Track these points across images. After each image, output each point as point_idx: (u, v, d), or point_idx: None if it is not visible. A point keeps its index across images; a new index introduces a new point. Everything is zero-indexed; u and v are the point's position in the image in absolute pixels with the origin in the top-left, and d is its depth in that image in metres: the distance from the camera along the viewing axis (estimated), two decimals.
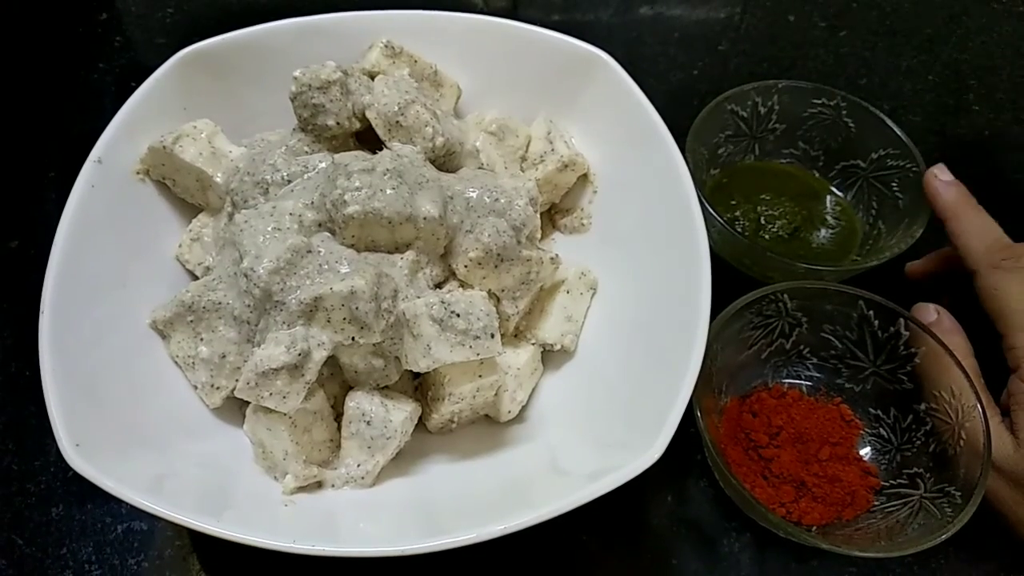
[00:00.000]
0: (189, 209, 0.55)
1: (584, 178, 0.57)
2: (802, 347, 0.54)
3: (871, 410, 0.53)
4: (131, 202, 0.52)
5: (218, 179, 0.51)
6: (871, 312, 0.51)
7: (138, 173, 0.52)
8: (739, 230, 0.61)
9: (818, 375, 0.55)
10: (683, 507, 0.52)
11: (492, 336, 0.44)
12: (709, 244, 0.47)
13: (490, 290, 0.49)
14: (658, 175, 0.51)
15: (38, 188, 0.68)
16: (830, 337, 0.54)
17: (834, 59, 0.80)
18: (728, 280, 0.51)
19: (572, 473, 0.44)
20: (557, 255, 0.52)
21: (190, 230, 0.53)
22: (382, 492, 0.45)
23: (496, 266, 0.48)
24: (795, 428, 0.52)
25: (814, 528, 0.48)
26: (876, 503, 0.49)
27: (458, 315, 0.43)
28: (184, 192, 0.54)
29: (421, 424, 0.48)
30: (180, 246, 0.53)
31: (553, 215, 0.59)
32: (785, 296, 0.52)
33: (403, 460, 0.47)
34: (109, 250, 0.49)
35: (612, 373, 0.49)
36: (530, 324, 0.52)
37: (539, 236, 0.53)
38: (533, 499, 0.41)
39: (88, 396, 0.43)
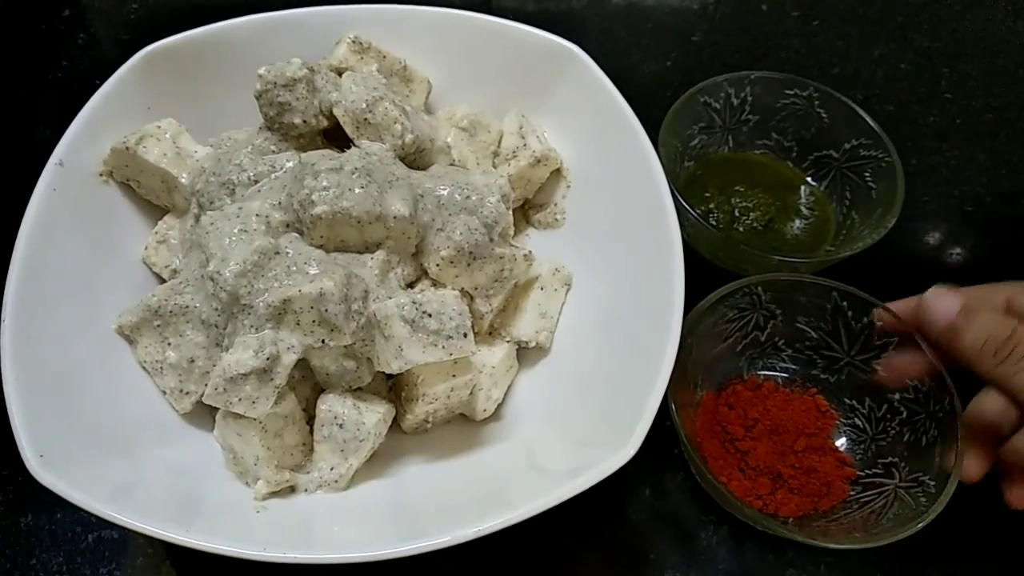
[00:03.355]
0: (155, 211, 0.54)
1: (557, 173, 0.57)
2: (777, 339, 0.54)
3: (846, 400, 0.53)
4: (95, 205, 0.51)
5: (183, 180, 0.50)
6: (845, 303, 0.51)
7: (101, 175, 0.51)
8: (713, 222, 0.61)
9: (793, 366, 0.55)
10: (660, 502, 0.52)
11: (465, 335, 0.43)
12: (684, 237, 0.47)
13: (463, 288, 0.49)
14: (630, 169, 0.51)
15: (0, 192, 0.66)
16: (805, 328, 0.53)
17: (807, 49, 0.80)
18: (702, 273, 0.51)
19: (548, 471, 0.44)
20: (530, 252, 0.51)
21: (156, 232, 0.52)
22: (356, 495, 0.44)
23: (469, 264, 0.48)
24: (771, 420, 0.52)
25: (791, 520, 0.49)
26: (852, 493, 0.49)
27: (430, 315, 0.43)
28: (149, 193, 0.53)
29: (396, 425, 0.48)
30: (146, 249, 0.52)
31: (527, 211, 0.58)
32: (759, 289, 0.52)
33: (378, 462, 0.47)
34: (73, 254, 0.48)
35: (587, 369, 0.49)
36: (504, 322, 0.52)
37: (512, 233, 0.53)
38: (510, 498, 0.41)
39: (53, 405, 0.42)
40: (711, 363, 0.53)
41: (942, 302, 0.46)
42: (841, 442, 0.52)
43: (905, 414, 0.49)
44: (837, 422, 0.53)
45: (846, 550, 0.50)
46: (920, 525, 0.43)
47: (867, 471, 0.50)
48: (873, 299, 0.51)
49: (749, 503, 0.48)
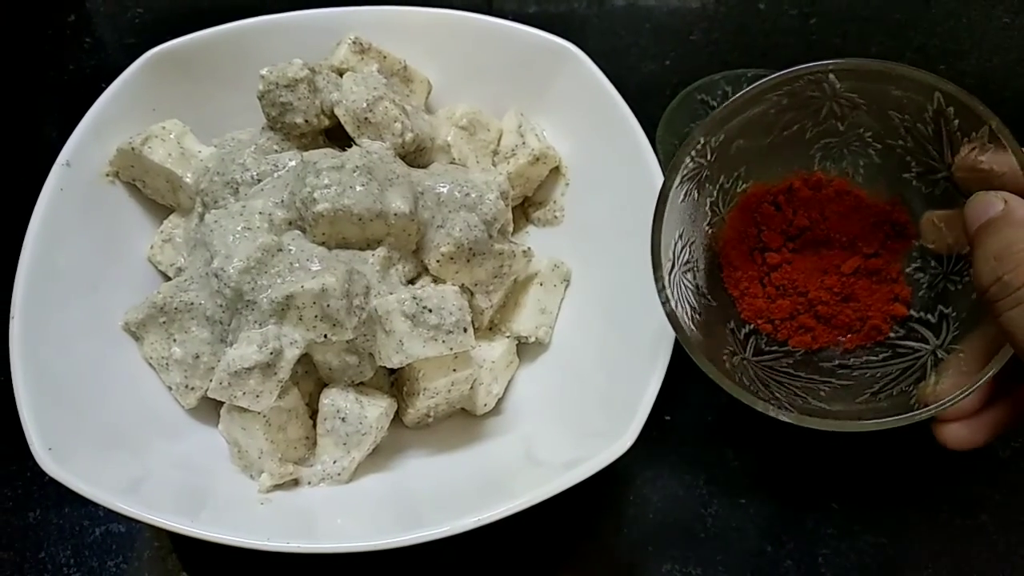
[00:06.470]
0: (160, 210, 0.54)
1: (556, 171, 0.57)
2: (862, 129, 0.43)
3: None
4: (101, 205, 0.51)
5: (188, 180, 0.51)
6: (951, 109, 0.39)
7: (107, 175, 0.52)
8: None
9: (879, 161, 0.43)
10: (659, 492, 0.53)
11: (465, 330, 0.44)
12: None
13: (463, 284, 0.49)
14: (628, 167, 0.52)
15: (8, 193, 0.67)
16: (898, 126, 0.42)
17: (805, 46, 0.80)
18: None
19: (548, 463, 0.45)
20: (529, 248, 0.52)
21: (161, 231, 0.53)
22: (359, 488, 0.45)
23: (468, 260, 0.49)
24: (824, 229, 0.44)
25: (799, 352, 0.42)
26: (892, 335, 0.42)
27: (430, 310, 0.44)
28: (154, 193, 0.53)
29: (398, 419, 0.48)
30: (152, 248, 0.53)
31: (527, 208, 0.59)
32: (831, 77, 0.40)
33: (380, 455, 0.47)
34: (80, 253, 0.49)
35: (586, 363, 0.50)
36: (504, 317, 0.53)
37: (511, 229, 0.53)
38: (509, 489, 0.42)
39: (61, 400, 0.43)
40: (762, 153, 0.44)
41: (979, 204, 0.37)
42: (910, 269, 0.44)
43: None
44: (914, 245, 0.43)
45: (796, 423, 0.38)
46: (903, 420, 0.35)
47: (920, 314, 0.42)
48: (986, 110, 0.38)
49: (758, 326, 0.42)
